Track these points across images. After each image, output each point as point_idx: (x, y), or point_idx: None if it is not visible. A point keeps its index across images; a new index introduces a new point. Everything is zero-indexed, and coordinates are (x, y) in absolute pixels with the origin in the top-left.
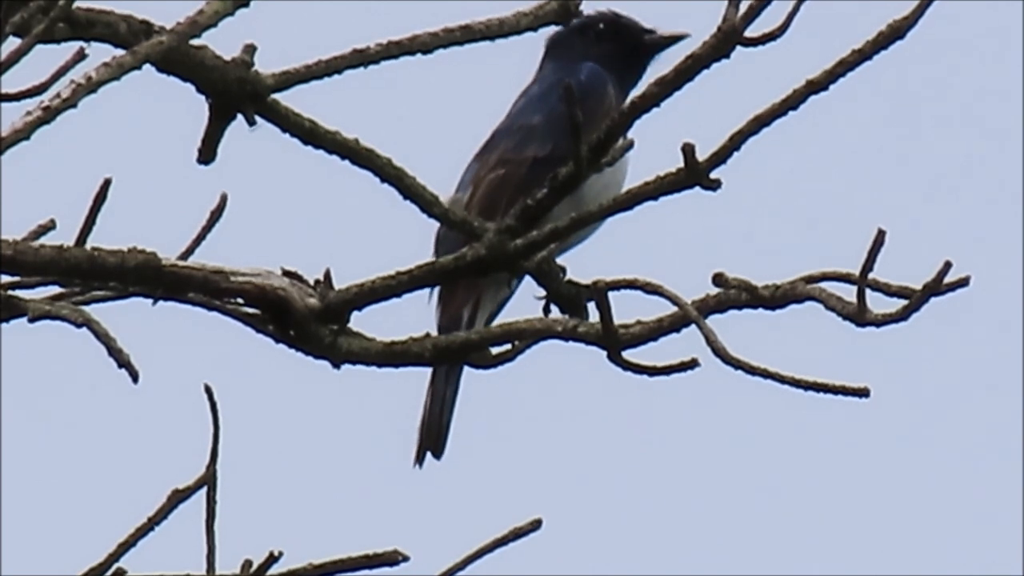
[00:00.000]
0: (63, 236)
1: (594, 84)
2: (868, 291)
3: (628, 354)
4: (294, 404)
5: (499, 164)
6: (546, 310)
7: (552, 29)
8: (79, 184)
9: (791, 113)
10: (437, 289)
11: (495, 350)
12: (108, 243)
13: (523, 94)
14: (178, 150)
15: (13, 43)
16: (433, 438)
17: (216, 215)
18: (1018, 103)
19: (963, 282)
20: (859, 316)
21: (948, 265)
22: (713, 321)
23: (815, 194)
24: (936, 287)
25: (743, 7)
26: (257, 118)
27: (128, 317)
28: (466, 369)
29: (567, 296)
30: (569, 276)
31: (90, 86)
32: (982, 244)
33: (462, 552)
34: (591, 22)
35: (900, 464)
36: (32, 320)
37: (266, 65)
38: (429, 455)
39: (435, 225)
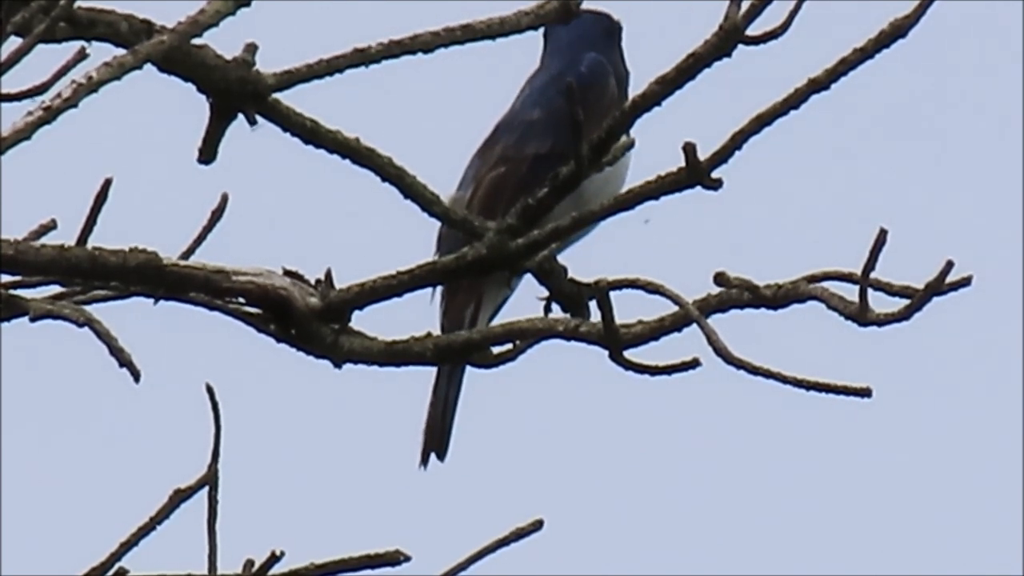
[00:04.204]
0: (64, 236)
1: (595, 76)
2: (870, 290)
3: (630, 353)
4: (295, 404)
5: (500, 162)
6: (547, 309)
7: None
8: (80, 184)
9: (793, 112)
10: (440, 288)
11: (496, 349)
12: (109, 243)
13: (528, 81)
14: (179, 150)
15: (14, 43)
16: (436, 440)
17: (217, 215)
18: (1018, 103)
19: (965, 281)
20: (861, 316)
21: (950, 264)
22: (715, 321)
23: (817, 193)
24: (938, 287)
25: (745, 5)
26: (258, 117)
27: (129, 317)
28: (468, 369)
29: (569, 295)
30: (571, 275)
31: (91, 86)
32: (984, 243)
33: (464, 552)
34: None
35: (902, 464)
36: (33, 319)
37: (267, 64)
38: (433, 457)
39: (436, 224)
